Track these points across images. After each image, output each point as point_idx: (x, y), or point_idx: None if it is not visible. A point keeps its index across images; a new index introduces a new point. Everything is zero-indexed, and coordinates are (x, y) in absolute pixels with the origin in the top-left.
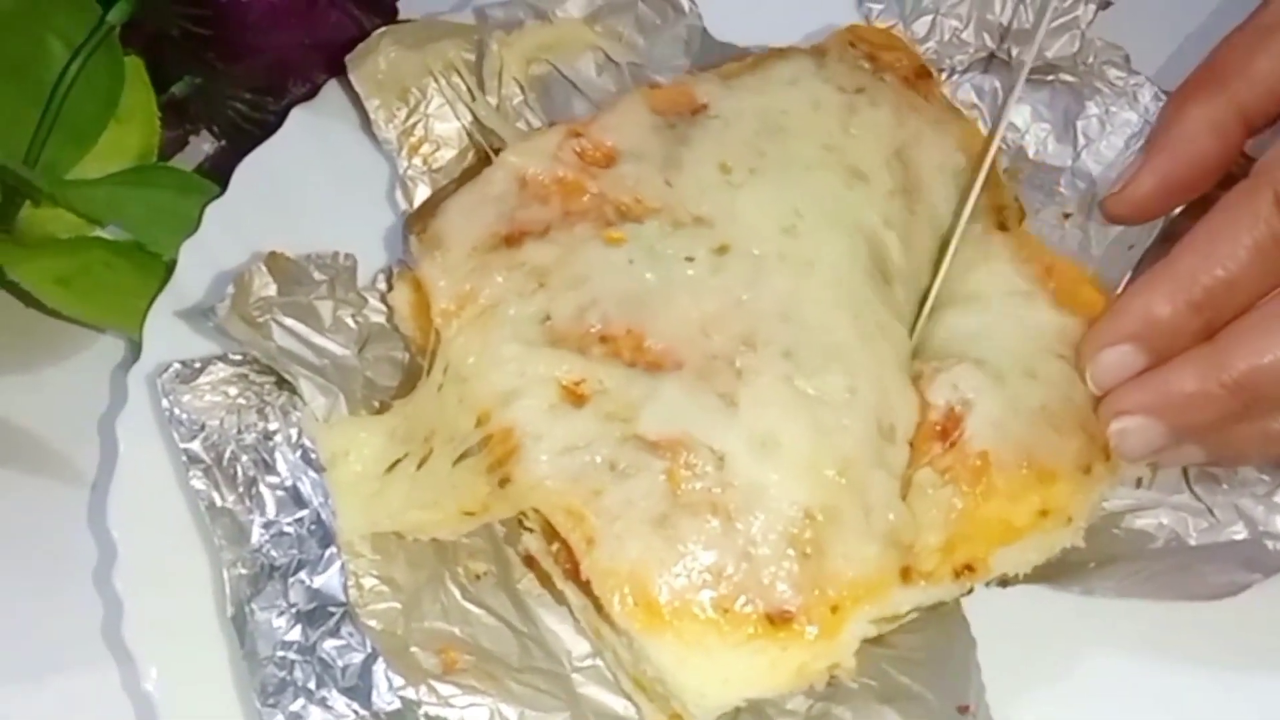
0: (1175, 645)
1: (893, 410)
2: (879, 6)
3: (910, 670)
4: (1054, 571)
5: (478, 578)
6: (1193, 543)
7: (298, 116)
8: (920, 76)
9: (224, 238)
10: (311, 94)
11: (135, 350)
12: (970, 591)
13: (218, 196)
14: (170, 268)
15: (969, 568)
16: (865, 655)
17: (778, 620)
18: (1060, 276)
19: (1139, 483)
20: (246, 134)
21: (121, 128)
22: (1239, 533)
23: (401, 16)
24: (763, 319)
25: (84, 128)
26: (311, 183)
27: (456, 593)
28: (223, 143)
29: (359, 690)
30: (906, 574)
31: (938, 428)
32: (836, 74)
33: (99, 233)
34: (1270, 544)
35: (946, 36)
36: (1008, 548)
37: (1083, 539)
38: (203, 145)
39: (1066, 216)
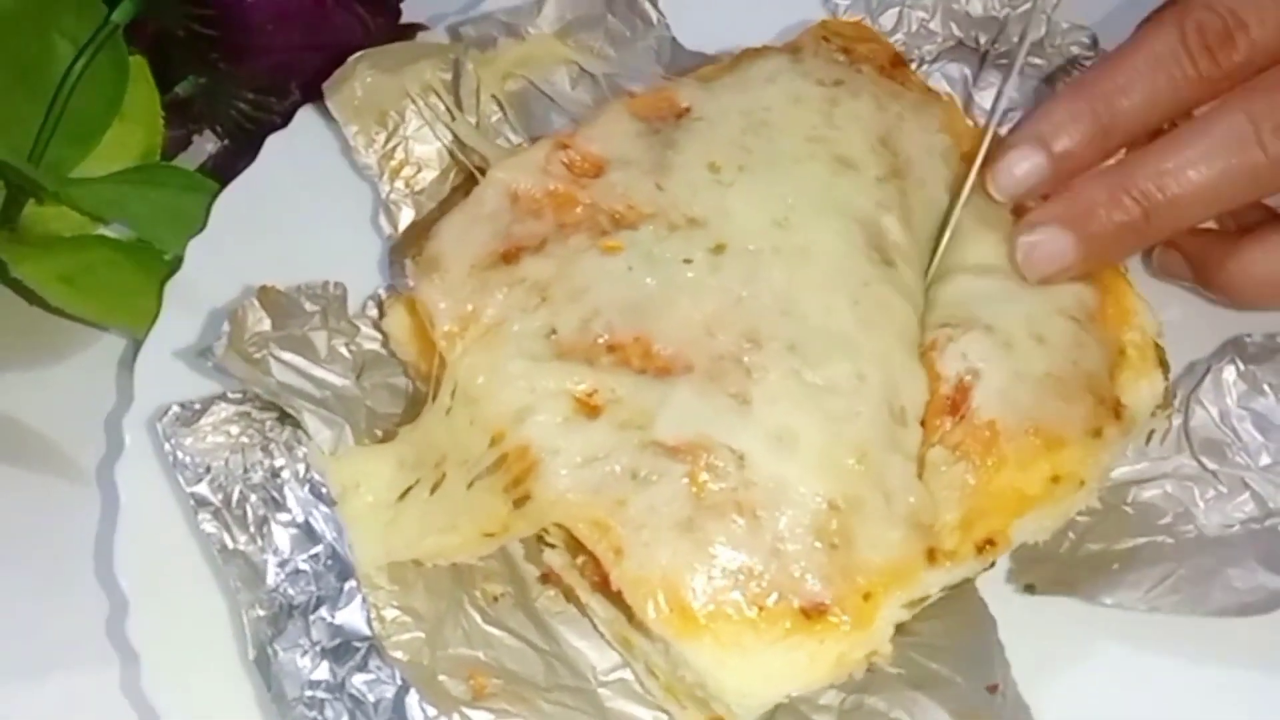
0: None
1: (902, 391)
2: (845, 2)
3: (937, 656)
4: (1081, 577)
5: (495, 599)
6: (1201, 518)
7: (274, 145)
8: (895, 65)
9: (208, 273)
10: (308, 98)
11: (136, 348)
12: (992, 565)
13: (199, 232)
14: (174, 265)
15: (990, 542)
16: (892, 645)
17: (812, 614)
18: None
19: (1149, 438)
20: (250, 134)
21: (125, 126)
22: (1246, 505)
23: (405, 18)
24: (764, 314)
25: (88, 126)
26: (293, 212)
27: (477, 616)
28: (226, 142)
29: None
30: (931, 555)
31: (948, 401)
32: (814, 68)
33: (102, 231)
34: None
35: (914, 28)
36: (1024, 517)
37: (1097, 509)
38: (206, 145)
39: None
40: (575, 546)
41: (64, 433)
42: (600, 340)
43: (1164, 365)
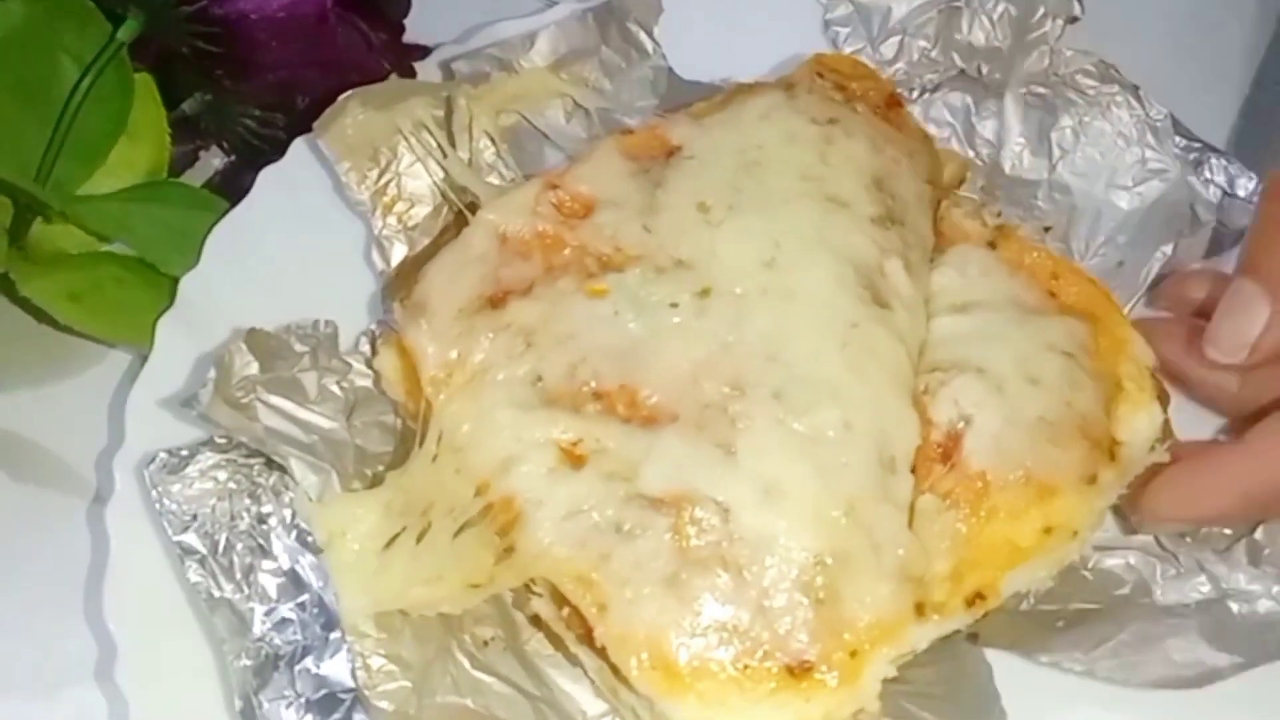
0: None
1: (892, 438)
2: (845, 30)
3: (931, 705)
4: (1022, 635)
5: (485, 644)
6: (1159, 594)
7: (266, 179)
8: (891, 105)
9: (201, 310)
10: (313, 114)
11: (136, 374)
12: (985, 617)
13: (193, 267)
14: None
15: (980, 595)
16: (884, 693)
17: (798, 671)
18: (1067, 280)
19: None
20: (256, 149)
21: (132, 144)
22: (1203, 585)
23: (408, 35)
24: (750, 360)
25: (94, 144)
26: (285, 248)
27: (465, 662)
28: (232, 158)
29: None
30: (920, 609)
31: (939, 448)
32: (808, 106)
33: (109, 248)
34: (1234, 606)
35: (915, 57)
36: (1015, 570)
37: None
38: (212, 160)
39: (1046, 230)
40: (561, 598)
41: (70, 449)
42: (587, 388)
43: (1162, 396)
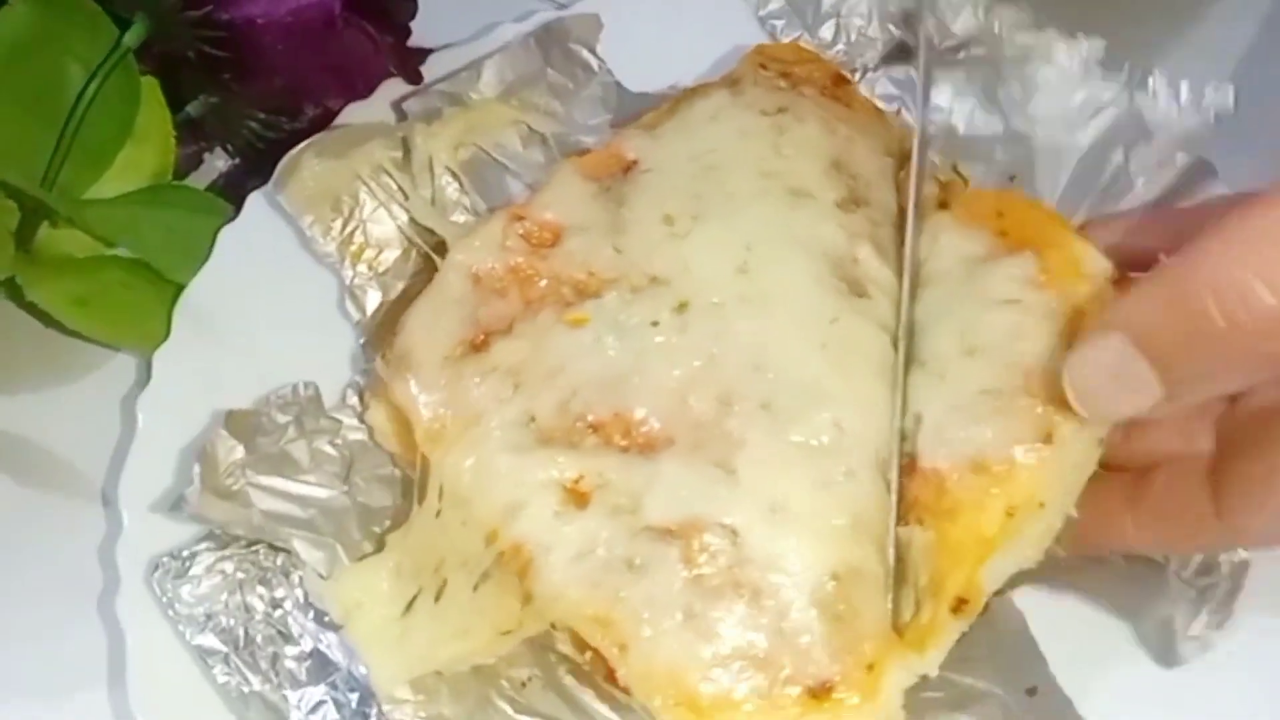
0: None
1: (883, 434)
2: (780, 22)
3: (971, 669)
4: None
5: (524, 685)
6: None
7: (228, 239)
8: (838, 84)
9: (179, 386)
10: (318, 121)
11: (146, 373)
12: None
13: (161, 341)
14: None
15: (962, 600)
16: None
17: (820, 693)
18: (1010, 214)
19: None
20: (261, 152)
21: (137, 147)
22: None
23: (413, 39)
24: (736, 372)
25: (101, 148)
26: (257, 309)
27: (507, 708)
28: (237, 161)
29: None
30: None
31: (906, 458)
32: (755, 99)
33: (115, 252)
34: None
35: (853, 37)
36: (989, 563)
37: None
38: (217, 163)
39: (1012, 179)
40: (582, 641)
41: (77, 452)
42: (581, 422)
43: None
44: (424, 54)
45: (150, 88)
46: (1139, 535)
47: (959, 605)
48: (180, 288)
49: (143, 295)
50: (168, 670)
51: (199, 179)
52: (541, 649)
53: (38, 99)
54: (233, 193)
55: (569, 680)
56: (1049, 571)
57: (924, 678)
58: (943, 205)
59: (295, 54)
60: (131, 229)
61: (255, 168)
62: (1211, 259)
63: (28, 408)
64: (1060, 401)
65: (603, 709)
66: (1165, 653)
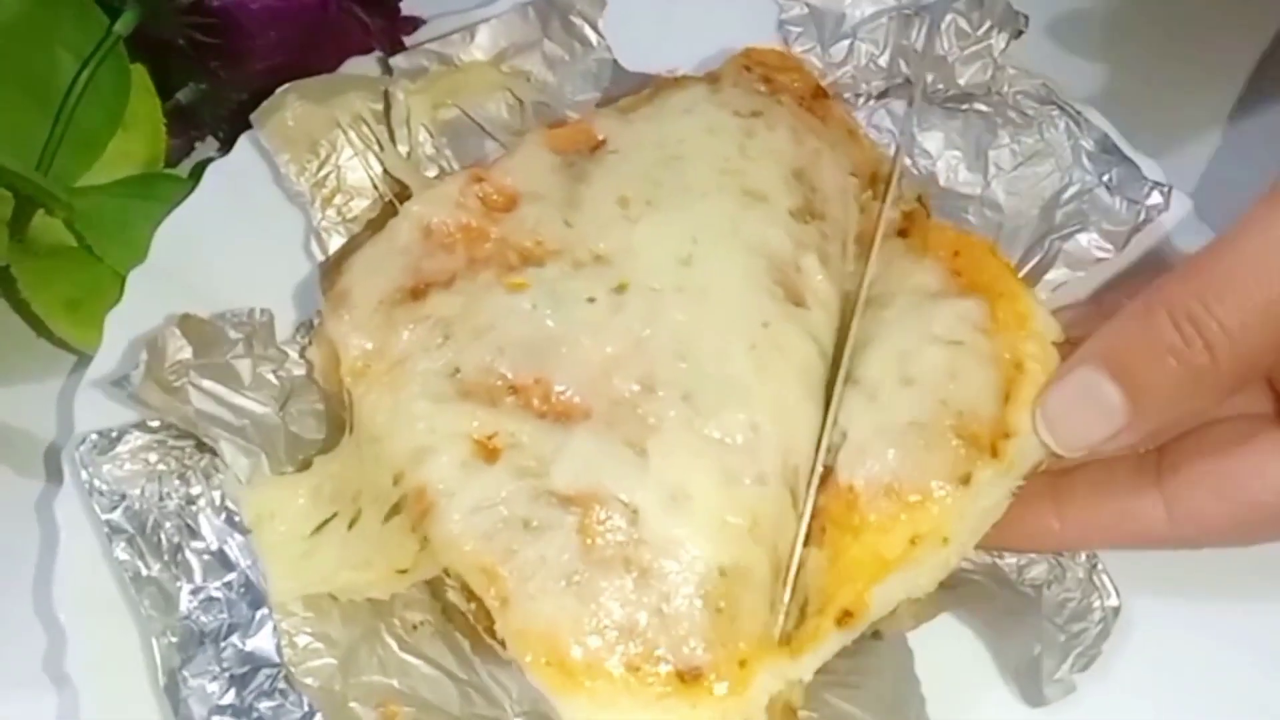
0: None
1: (798, 445)
2: (798, 30)
3: (851, 697)
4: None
5: (415, 628)
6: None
7: (213, 173)
8: (816, 96)
9: (148, 303)
10: None
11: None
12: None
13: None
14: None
15: (848, 613)
16: (808, 684)
17: (688, 678)
18: (967, 254)
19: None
20: None
21: (128, 135)
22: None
23: (404, 14)
24: (662, 358)
25: (92, 136)
26: (229, 240)
27: (394, 644)
28: (228, 147)
29: None
30: (785, 639)
31: (825, 469)
32: (731, 99)
33: None
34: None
35: (863, 62)
36: (883, 584)
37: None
38: (209, 151)
39: (1016, 275)
40: (469, 591)
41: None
42: (502, 381)
43: None
44: (413, 25)
45: (140, 76)
46: (1066, 535)
47: (844, 618)
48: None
49: None
50: (94, 569)
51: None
52: (437, 597)
53: (30, 88)
54: None
55: (458, 635)
56: (933, 603)
57: (799, 696)
58: (902, 233)
59: (284, 39)
60: (120, 222)
61: None
62: (1170, 285)
63: (21, 398)
64: (984, 446)
65: (489, 665)
66: (1031, 692)
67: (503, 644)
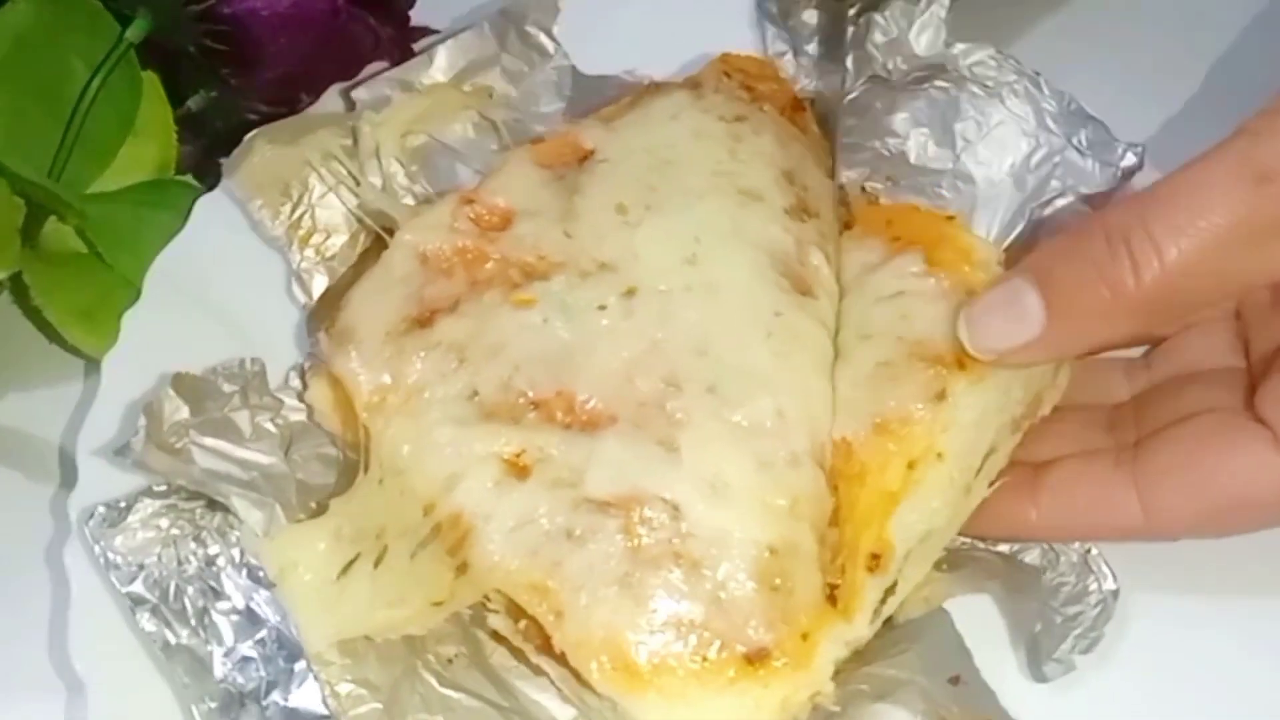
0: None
1: (821, 425)
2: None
3: (895, 663)
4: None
5: (450, 661)
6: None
7: (203, 210)
8: (795, 109)
9: (141, 350)
10: None
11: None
12: (892, 589)
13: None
14: None
15: (875, 555)
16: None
17: (755, 659)
18: (898, 220)
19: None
20: None
21: (139, 142)
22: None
23: (415, 24)
24: (681, 356)
25: (103, 143)
26: (218, 282)
27: (433, 680)
28: None
29: None
30: (832, 598)
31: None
32: (715, 104)
33: None
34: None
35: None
36: (896, 515)
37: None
38: (220, 157)
39: (949, 219)
40: (516, 611)
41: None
42: (523, 398)
43: None
44: (423, 34)
45: (151, 83)
46: (1042, 524)
47: (873, 562)
48: None
49: None
50: (111, 621)
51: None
52: (468, 628)
53: (42, 94)
54: None
55: (496, 660)
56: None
57: (855, 656)
58: (847, 226)
59: (296, 47)
60: (134, 229)
61: None
62: (1112, 208)
63: (31, 404)
64: (950, 362)
65: (529, 690)
66: (1033, 668)
67: (560, 659)
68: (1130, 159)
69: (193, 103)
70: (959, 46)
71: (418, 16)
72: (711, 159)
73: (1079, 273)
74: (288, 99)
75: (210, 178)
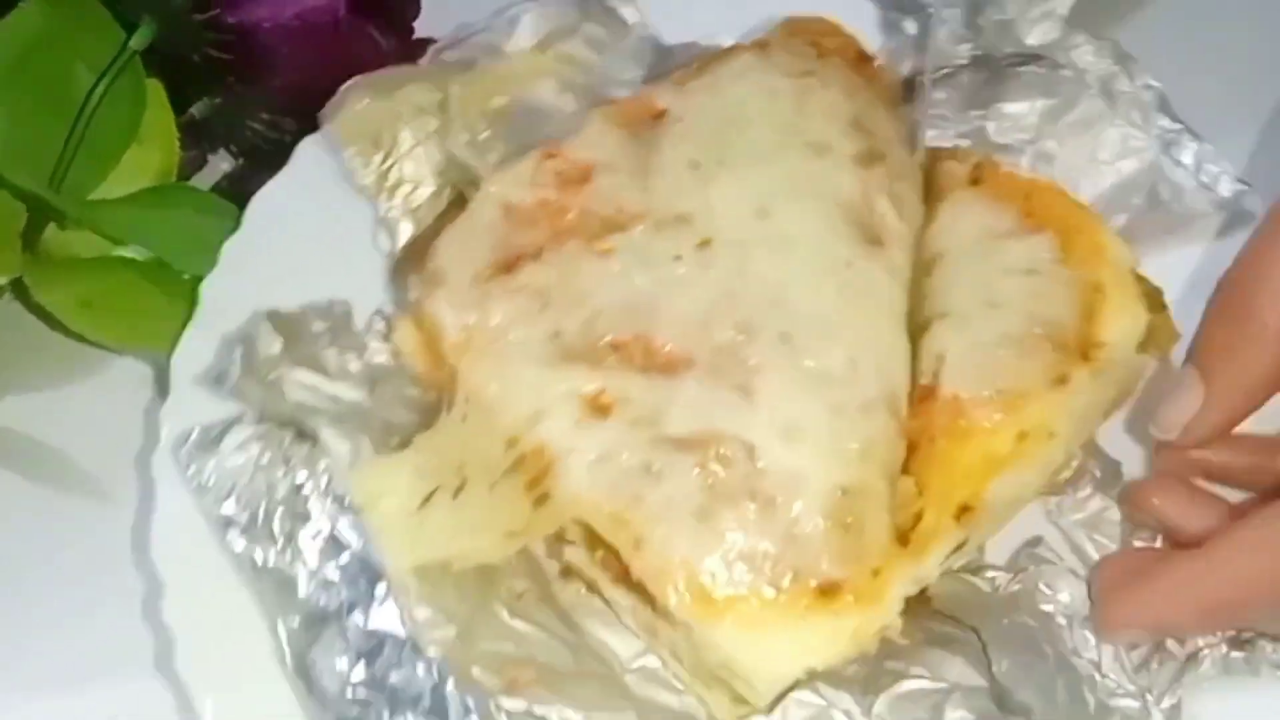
0: None
1: (892, 372)
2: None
3: (954, 623)
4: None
5: (519, 596)
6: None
7: (303, 152)
8: (862, 60)
9: (241, 273)
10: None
11: (160, 379)
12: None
13: (235, 230)
14: (192, 286)
15: (966, 507)
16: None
17: (828, 591)
18: (1037, 197)
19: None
20: (264, 154)
21: (142, 149)
22: None
23: (419, 35)
24: (755, 305)
25: (107, 149)
26: (299, 235)
27: (504, 613)
28: (240, 162)
29: (435, 711)
30: (903, 538)
31: (927, 390)
32: (782, 62)
33: (122, 252)
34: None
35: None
36: (998, 479)
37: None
38: (221, 165)
39: (1086, 210)
40: (593, 541)
41: (83, 453)
42: (604, 341)
43: (1150, 298)
44: (425, 46)
45: (155, 90)
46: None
47: (962, 512)
48: (188, 287)
49: (150, 296)
50: (194, 539)
51: (202, 181)
52: (538, 568)
53: (46, 100)
54: (236, 194)
55: (563, 598)
56: None
57: (922, 595)
58: (974, 182)
59: (300, 56)
60: (139, 228)
61: (259, 169)
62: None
63: (32, 408)
64: (1075, 350)
65: (594, 626)
66: None
67: (637, 587)
68: (1231, 187)
69: (195, 110)
70: (1077, 37)
71: (421, 27)
72: (779, 114)
73: (1210, 329)
74: (292, 107)
75: (249, 189)
